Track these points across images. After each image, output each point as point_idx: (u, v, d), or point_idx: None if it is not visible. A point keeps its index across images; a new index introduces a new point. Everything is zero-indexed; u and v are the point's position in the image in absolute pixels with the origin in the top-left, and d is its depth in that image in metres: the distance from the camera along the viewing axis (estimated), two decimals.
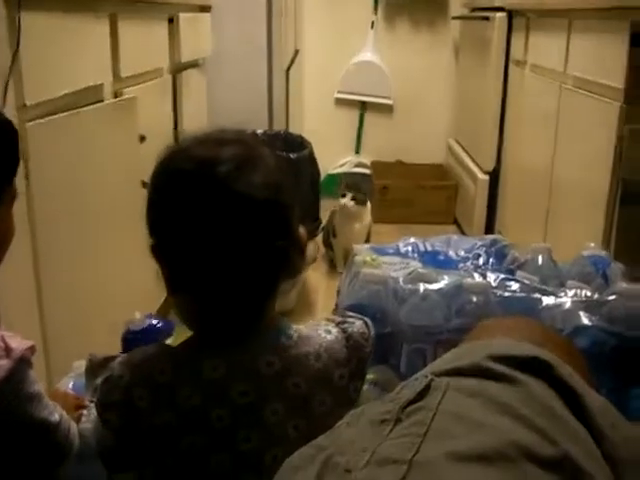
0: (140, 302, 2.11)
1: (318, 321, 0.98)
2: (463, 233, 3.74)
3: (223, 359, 0.89)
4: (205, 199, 0.85)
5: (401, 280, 1.13)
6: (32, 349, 0.90)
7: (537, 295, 1.12)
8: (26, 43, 1.35)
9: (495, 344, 0.77)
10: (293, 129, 3.33)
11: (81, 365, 1.34)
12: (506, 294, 1.12)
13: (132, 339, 1.27)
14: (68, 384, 1.26)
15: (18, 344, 0.87)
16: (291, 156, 2.59)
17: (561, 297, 1.12)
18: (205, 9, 3.03)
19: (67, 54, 1.60)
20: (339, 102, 4.46)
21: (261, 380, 0.88)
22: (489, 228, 3.45)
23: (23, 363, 0.87)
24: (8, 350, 0.86)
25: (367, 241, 3.22)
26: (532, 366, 0.71)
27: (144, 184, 2.03)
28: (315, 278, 3.15)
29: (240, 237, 0.85)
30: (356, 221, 3.18)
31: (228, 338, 0.91)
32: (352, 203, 3.12)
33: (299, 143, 2.83)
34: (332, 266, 3.31)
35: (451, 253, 1.29)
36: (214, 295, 0.89)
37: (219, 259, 0.86)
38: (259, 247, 0.86)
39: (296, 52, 3.39)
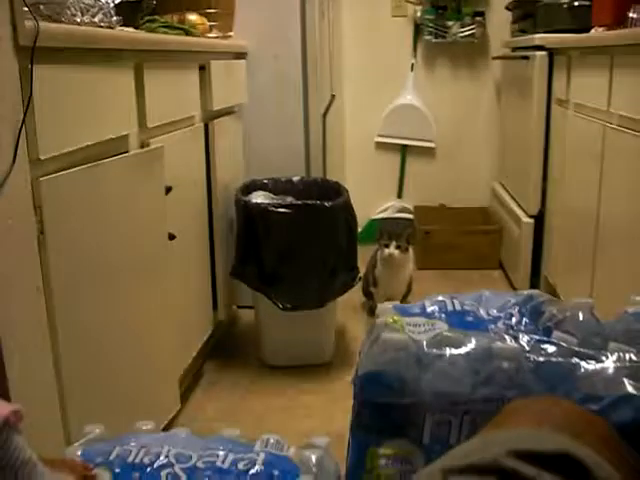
0: (167, 359, 2.06)
1: None
2: (508, 278, 3.64)
3: None
4: None
5: (425, 344, 1.05)
6: (16, 414, 0.82)
7: (575, 360, 1.03)
8: (41, 96, 1.32)
9: (519, 436, 0.67)
10: (332, 175, 3.28)
11: (93, 430, 1.28)
12: (540, 359, 1.03)
13: None
14: (77, 451, 1.20)
15: (1, 409, 0.80)
16: (326, 204, 2.53)
17: (603, 361, 1.02)
18: (240, 56, 3.01)
19: (88, 106, 1.56)
20: (380, 146, 4.41)
21: None
22: (535, 272, 3.35)
23: (7, 430, 0.80)
24: None
25: (409, 289, 3.14)
26: (562, 465, 0.61)
27: (171, 236, 1.98)
28: (354, 328, 3.08)
29: None
30: (399, 270, 3.11)
31: None
32: (397, 252, 3.05)
33: (335, 190, 2.77)
34: (372, 315, 3.22)
35: (482, 312, 1.20)
36: None
37: None
38: None
39: (333, 97, 3.35)
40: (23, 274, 1.30)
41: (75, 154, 1.50)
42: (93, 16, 1.72)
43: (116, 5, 1.81)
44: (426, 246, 3.79)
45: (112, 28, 1.74)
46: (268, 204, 2.57)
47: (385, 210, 4.42)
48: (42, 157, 1.36)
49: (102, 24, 1.72)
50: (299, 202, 2.59)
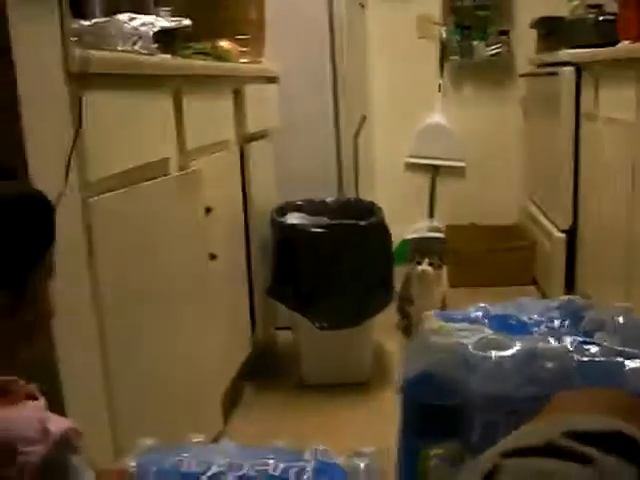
0: (209, 379, 2.09)
1: None
2: (543, 293, 3.64)
3: None
4: None
5: (471, 347, 1.08)
6: (72, 431, 0.84)
7: (619, 359, 1.05)
8: (89, 120, 1.37)
9: (572, 419, 0.70)
10: (364, 195, 3.31)
11: (145, 443, 1.32)
12: (585, 359, 1.05)
13: None
14: (131, 462, 1.23)
15: (57, 426, 0.82)
16: (361, 223, 2.57)
17: None
18: (272, 80, 3.07)
19: (131, 130, 1.61)
20: (410, 167, 4.44)
21: None
22: (569, 287, 3.35)
23: (63, 447, 0.81)
24: (45, 433, 0.80)
25: (443, 307, 3.15)
26: (616, 443, 0.64)
27: (212, 256, 2.03)
28: (390, 347, 3.09)
29: None
30: (433, 287, 3.12)
31: None
32: (430, 269, 3.07)
33: (369, 210, 2.81)
34: (407, 334, 3.24)
35: (524, 317, 1.23)
36: None
37: None
38: None
39: (363, 118, 3.40)
40: (75, 292, 1.34)
41: (120, 177, 1.54)
42: (134, 44, 1.78)
43: (155, 33, 1.87)
44: (459, 264, 3.80)
45: (152, 55, 1.79)
46: (304, 225, 2.61)
47: (417, 230, 4.44)
48: (91, 179, 1.40)
49: (143, 51, 1.78)
50: (334, 222, 2.63)
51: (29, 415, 0.83)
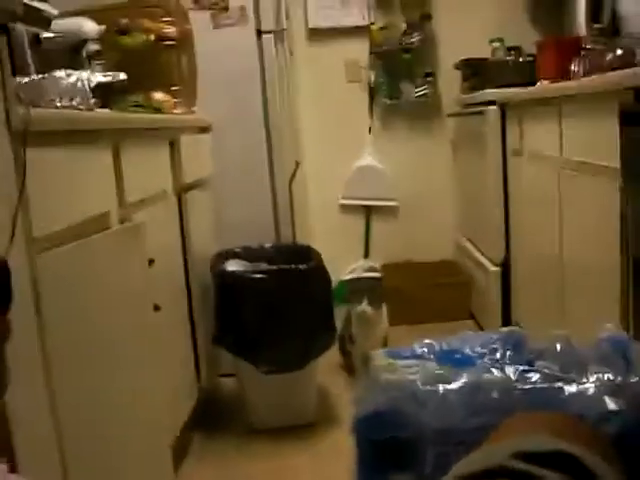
0: (157, 429, 2.09)
1: None
2: (480, 327, 3.72)
3: None
4: None
5: (419, 382, 1.12)
6: None
7: (559, 384, 1.10)
8: (32, 177, 1.38)
9: (517, 442, 0.75)
10: (300, 239, 3.37)
11: None
12: (527, 386, 1.10)
13: None
14: None
15: None
16: (300, 267, 2.61)
17: (584, 384, 1.10)
18: (205, 130, 3.11)
19: (73, 185, 1.63)
20: (344, 208, 4.51)
21: None
22: (506, 319, 3.43)
23: None
24: None
25: (385, 345, 3.19)
26: (558, 461, 0.69)
27: (156, 307, 2.04)
28: (335, 387, 3.12)
29: None
30: (374, 326, 3.17)
31: None
32: (369, 308, 3.12)
33: (307, 254, 2.86)
34: (351, 373, 3.27)
35: (467, 350, 1.27)
36: None
37: None
38: None
39: (297, 164, 3.46)
40: (24, 344, 1.34)
41: (64, 232, 1.55)
42: (71, 99, 1.80)
43: (92, 88, 1.89)
44: (397, 302, 3.85)
45: (91, 110, 1.82)
46: (244, 271, 2.65)
47: (353, 270, 4.48)
48: (36, 235, 1.41)
49: (81, 107, 1.80)
50: (274, 267, 2.67)
51: None
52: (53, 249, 1.49)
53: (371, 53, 4.35)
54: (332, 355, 3.07)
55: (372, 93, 4.41)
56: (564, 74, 2.73)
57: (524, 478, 0.67)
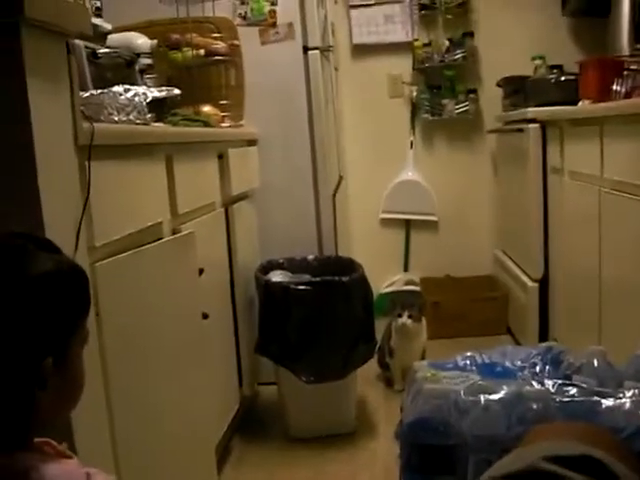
0: (203, 433, 2.16)
1: None
2: (517, 342, 3.73)
3: None
4: None
5: (462, 393, 1.17)
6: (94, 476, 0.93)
7: (596, 398, 1.15)
8: (94, 189, 1.45)
9: (548, 446, 0.81)
10: (342, 252, 3.42)
11: None
12: (565, 399, 1.15)
13: None
14: None
15: (103, 479, 0.91)
16: (343, 279, 2.67)
17: (620, 398, 1.15)
18: (252, 143, 3.19)
19: (130, 197, 1.70)
20: (384, 222, 4.56)
21: None
22: (543, 335, 3.45)
23: None
24: None
25: (423, 358, 3.23)
26: (585, 464, 0.74)
27: (204, 315, 2.11)
28: (373, 399, 3.18)
29: None
30: (413, 339, 3.22)
31: None
32: (410, 321, 3.17)
33: (349, 266, 2.91)
34: (389, 385, 3.32)
35: (508, 364, 1.32)
36: None
37: None
38: None
39: (340, 178, 3.52)
40: (85, 352, 1.42)
41: (121, 242, 1.63)
42: (128, 114, 1.88)
43: (148, 103, 1.97)
44: (435, 316, 3.89)
45: (147, 124, 1.90)
46: (289, 282, 2.71)
47: (392, 284, 4.55)
48: (97, 244, 1.49)
49: (137, 121, 1.88)
50: (317, 279, 2.73)
51: (74, 469, 0.91)
52: (111, 258, 1.56)
53: (414, 69, 4.41)
54: (371, 367, 3.11)
55: (414, 109, 4.46)
56: (606, 94, 2.75)
57: (552, 479, 0.72)
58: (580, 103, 3.03)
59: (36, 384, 0.89)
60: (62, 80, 1.39)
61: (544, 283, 3.45)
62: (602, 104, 2.65)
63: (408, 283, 4.54)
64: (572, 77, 3.34)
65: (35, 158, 1.24)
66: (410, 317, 3.17)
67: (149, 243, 1.81)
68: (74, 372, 0.97)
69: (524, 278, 3.58)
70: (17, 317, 0.87)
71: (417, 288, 4.43)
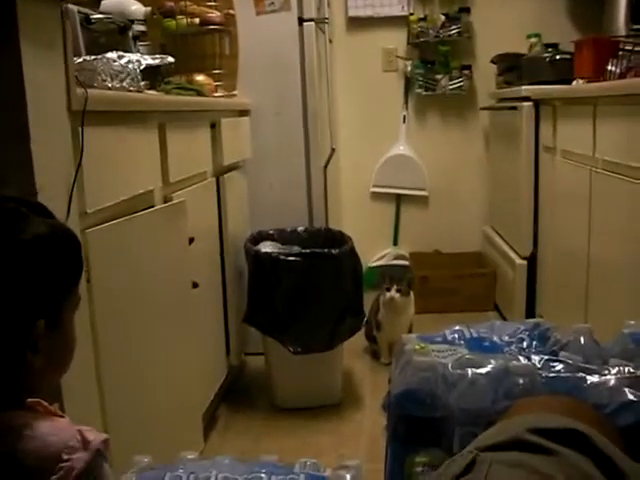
0: (191, 400, 2.18)
1: None
2: (504, 318, 3.75)
3: None
4: None
5: (450, 366, 1.18)
6: (106, 442, 0.94)
7: (581, 374, 1.16)
8: (86, 156, 1.45)
9: (533, 418, 0.82)
10: (332, 225, 3.43)
11: (141, 460, 1.39)
12: (551, 375, 1.17)
13: None
14: (131, 478, 1.30)
15: (95, 436, 0.92)
16: (333, 252, 2.68)
17: (605, 375, 1.16)
18: (244, 113, 3.18)
19: (122, 164, 1.70)
20: (375, 196, 4.56)
21: None
22: (530, 312, 3.47)
23: (99, 456, 0.92)
24: (85, 442, 0.90)
25: (410, 332, 3.25)
26: (569, 437, 0.75)
27: (194, 284, 2.12)
28: (360, 371, 3.20)
29: None
30: (401, 313, 3.23)
31: None
32: (398, 295, 3.18)
33: (340, 239, 2.92)
34: (375, 358, 3.34)
35: (495, 338, 1.34)
36: None
37: None
38: None
39: (332, 150, 3.51)
40: (77, 318, 1.42)
41: (113, 208, 1.63)
42: (122, 81, 1.88)
43: (141, 70, 1.97)
44: (423, 291, 3.91)
45: (140, 92, 1.89)
46: (278, 253, 2.71)
47: (382, 257, 4.56)
48: (88, 211, 1.49)
49: (131, 88, 1.87)
50: (307, 251, 2.73)
51: (66, 426, 0.92)
52: (103, 224, 1.56)
53: (408, 43, 4.39)
54: (358, 339, 3.13)
55: (407, 83, 4.45)
56: (601, 74, 2.76)
57: (537, 450, 0.74)
58: (574, 82, 3.03)
59: (28, 346, 0.90)
60: (56, 45, 1.38)
61: (532, 261, 3.46)
62: (596, 84, 2.65)
63: (397, 257, 4.55)
64: (567, 56, 3.34)
65: (28, 123, 1.24)
66: (399, 291, 3.18)
67: (140, 211, 1.81)
68: (65, 336, 0.98)
69: (512, 255, 3.59)
70: (10, 279, 0.88)
71: (406, 263, 4.44)
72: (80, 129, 1.43)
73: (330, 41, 3.84)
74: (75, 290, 1.00)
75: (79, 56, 1.90)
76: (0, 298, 0.87)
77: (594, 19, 3.72)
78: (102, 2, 2.66)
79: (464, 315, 3.83)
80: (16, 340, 0.89)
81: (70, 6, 2.22)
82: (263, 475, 1.31)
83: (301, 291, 2.67)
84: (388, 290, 3.19)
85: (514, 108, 3.52)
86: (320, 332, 2.71)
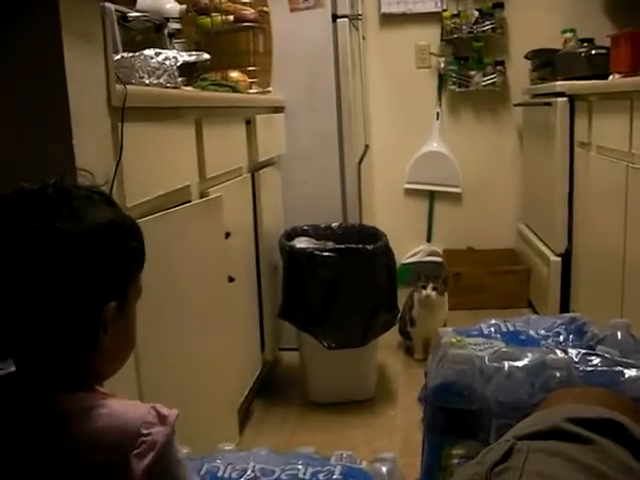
0: (228, 394, 2.20)
1: None
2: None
3: None
4: None
5: (486, 359, 1.19)
6: (177, 416, 0.97)
7: (619, 368, 1.17)
8: (126, 151, 1.47)
9: (571, 408, 0.83)
10: (366, 221, 3.43)
11: (180, 450, 1.41)
12: (588, 368, 1.17)
13: None
14: None
15: (169, 411, 0.94)
16: (367, 247, 2.68)
17: None
18: (279, 110, 3.20)
19: (160, 159, 1.72)
20: (408, 193, 4.56)
21: None
22: (564, 309, 3.44)
23: (173, 430, 0.95)
24: (161, 417, 0.93)
25: None
26: (607, 427, 0.76)
27: (230, 279, 2.14)
28: (393, 367, 3.20)
29: None
30: (436, 311, 3.23)
31: None
32: (434, 293, 3.18)
33: (374, 235, 2.93)
34: (409, 354, 3.34)
35: (532, 332, 1.34)
36: None
37: None
38: None
39: (366, 147, 3.52)
40: None
41: (151, 203, 1.65)
42: (159, 77, 1.90)
43: (178, 67, 1.99)
44: (457, 287, 3.91)
45: (177, 88, 1.91)
46: (313, 249, 2.72)
47: (415, 254, 4.55)
48: (128, 205, 1.51)
49: (168, 85, 1.89)
50: (342, 246, 2.74)
51: (138, 404, 0.95)
52: (141, 219, 1.58)
53: (442, 40, 4.38)
54: (392, 335, 3.14)
55: (441, 80, 4.44)
56: (638, 68, 2.73)
57: (575, 439, 0.74)
58: (610, 77, 3.01)
59: (101, 326, 0.93)
60: (96, 41, 1.40)
61: (567, 257, 3.44)
62: (633, 78, 2.63)
63: (431, 254, 4.54)
64: (603, 51, 3.31)
65: (70, 118, 1.26)
66: (435, 289, 3.18)
67: (177, 205, 1.83)
68: (130, 324, 1.02)
69: (547, 252, 3.57)
70: (87, 259, 0.91)
71: (440, 259, 4.43)
72: (120, 125, 1.45)
73: (363, 38, 3.84)
74: (139, 277, 1.02)
75: (116, 53, 1.93)
76: (78, 278, 0.90)
77: (630, 13, 3.68)
78: (138, 0, 2.69)
79: (497, 312, 3.80)
80: (91, 318, 0.92)
81: (107, 4, 2.27)
82: (300, 466, 1.32)
83: (335, 287, 2.68)
84: (424, 288, 3.19)
85: (549, 104, 3.50)
86: (354, 327, 2.72)
